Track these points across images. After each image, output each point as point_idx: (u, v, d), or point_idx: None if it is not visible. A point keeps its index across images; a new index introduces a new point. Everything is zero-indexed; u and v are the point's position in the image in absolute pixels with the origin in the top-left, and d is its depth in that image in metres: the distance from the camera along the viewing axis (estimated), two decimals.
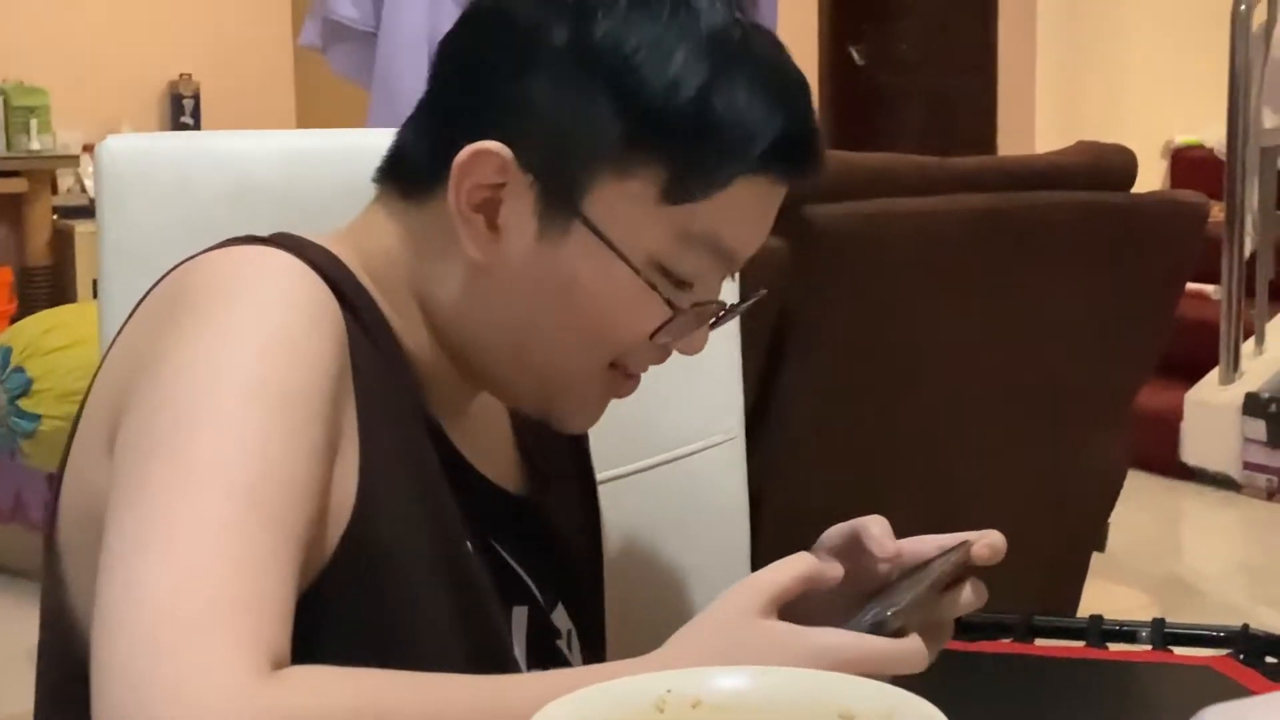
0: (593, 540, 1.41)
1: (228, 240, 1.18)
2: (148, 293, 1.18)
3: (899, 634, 1.06)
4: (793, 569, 1.09)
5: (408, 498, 1.14)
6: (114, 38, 7.50)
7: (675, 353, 1.24)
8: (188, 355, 1.05)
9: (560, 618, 1.32)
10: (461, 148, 1.16)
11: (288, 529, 1.00)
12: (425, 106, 1.24)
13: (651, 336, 1.19)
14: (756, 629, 1.05)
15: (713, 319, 1.23)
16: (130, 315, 1.18)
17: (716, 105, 1.14)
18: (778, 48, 1.21)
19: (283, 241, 1.17)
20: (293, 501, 1.02)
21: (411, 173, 1.22)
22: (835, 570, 1.13)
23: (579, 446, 1.42)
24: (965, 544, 1.19)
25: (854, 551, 1.23)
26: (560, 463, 1.38)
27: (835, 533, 1.24)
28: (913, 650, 1.05)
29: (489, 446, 1.30)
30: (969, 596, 1.19)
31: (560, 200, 1.16)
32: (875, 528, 1.21)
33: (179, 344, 1.06)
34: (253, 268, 1.12)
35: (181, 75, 7.68)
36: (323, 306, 1.11)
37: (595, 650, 1.36)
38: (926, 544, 1.22)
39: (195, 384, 1.04)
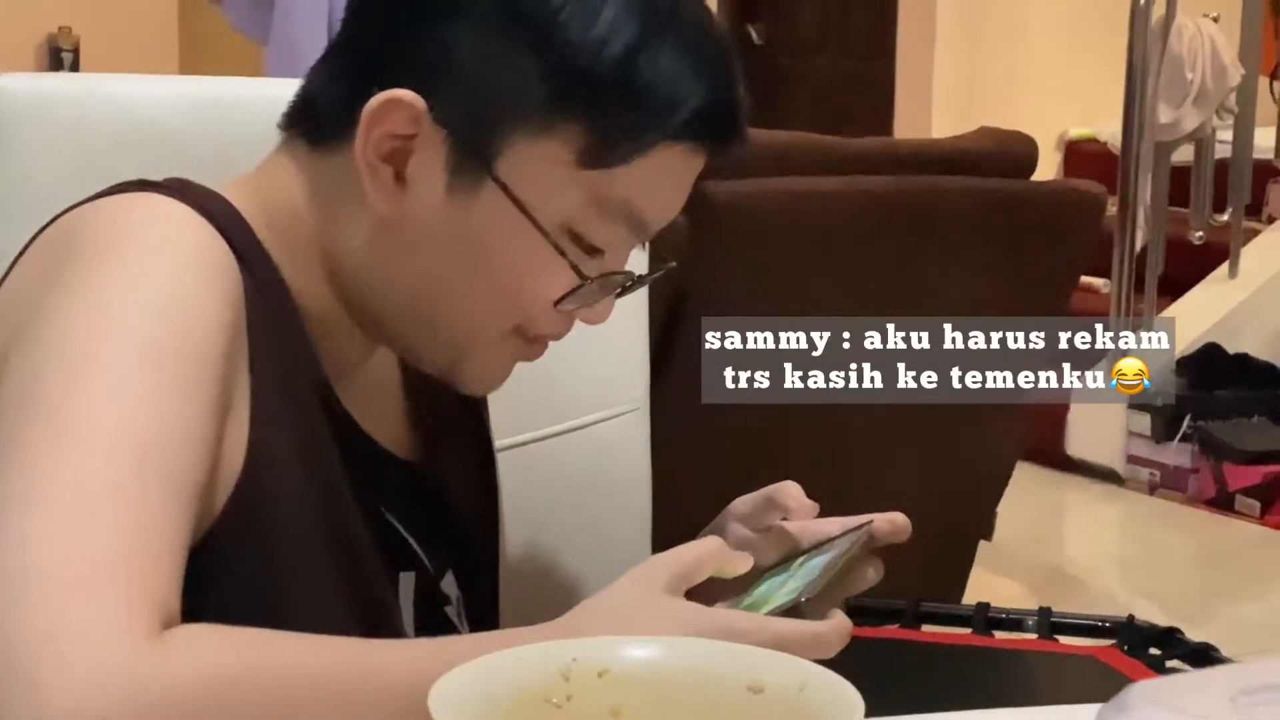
0: (488, 507, 1.38)
1: (119, 185, 1.15)
2: (32, 239, 1.14)
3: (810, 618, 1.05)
4: (701, 549, 1.09)
5: (294, 459, 1.12)
6: None
7: (580, 321, 1.21)
8: (78, 309, 1.03)
9: (449, 585, 1.30)
10: (365, 94, 1.13)
11: (177, 486, 0.98)
12: (337, 50, 1.21)
13: (557, 303, 1.17)
14: (663, 605, 1.04)
15: (619, 289, 1.20)
16: (13, 263, 1.14)
17: (642, 68, 1.11)
18: (708, 15, 1.19)
19: (177, 189, 1.13)
20: (182, 458, 1.00)
21: (320, 119, 1.19)
22: (744, 562, 1.12)
23: (476, 412, 1.39)
24: (868, 523, 1.18)
25: (764, 520, 1.23)
26: (456, 427, 1.35)
27: (746, 501, 1.24)
28: (833, 629, 1.04)
29: (381, 410, 1.27)
30: (870, 573, 1.19)
31: (472, 157, 1.13)
32: (791, 489, 1.23)
33: (66, 296, 1.04)
34: (144, 218, 1.09)
35: (60, 28, 7.55)
36: (216, 260, 1.09)
37: (486, 619, 1.33)
38: (830, 524, 1.21)
39: (83, 338, 1.01)
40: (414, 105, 1.12)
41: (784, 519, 1.24)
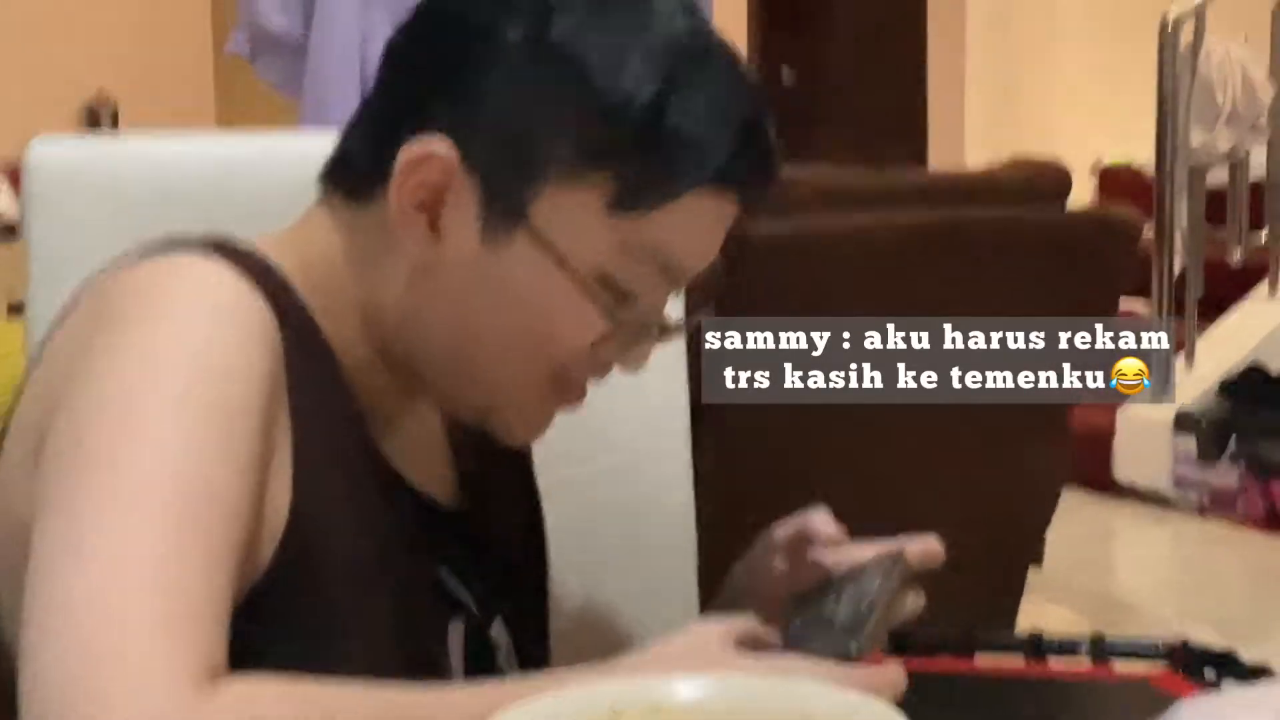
0: (535, 553, 1.38)
1: (159, 242, 1.15)
2: (74, 298, 1.15)
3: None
4: (741, 622, 1.08)
5: (341, 511, 1.12)
6: (29, 55, 7.41)
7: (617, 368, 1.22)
8: (119, 367, 1.03)
9: (499, 631, 1.29)
10: (400, 144, 1.14)
11: (220, 541, 0.99)
12: (371, 104, 1.22)
13: (591, 350, 1.17)
14: (729, 655, 1.04)
15: (655, 336, 1.20)
16: (57, 321, 1.15)
17: (671, 116, 1.11)
18: (737, 60, 1.18)
19: (215, 247, 1.14)
20: (226, 512, 1.00)
21: (355, 173, 1.19)
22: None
23: (521, 457, 1.39)
24: (903, 555, 1.18)
25: (799, 548, 1.24)
26: (500, 472, 1.35)
27: (782, 529, 1.26)
28: (886, 682, 1.03)
29: (425, 459, 1.27)
30: (910, 602, 1.19)
31: (505, 204, 1.13)
32: (818, 517, 1.24)
33: (108, 357, 1.04)
34: (182, 279, 1.10)
35: (99, 91, 7.60)
36: (255, 317, 1.09)
37: (535, 665, 1.33)
38: (864, 549, 1.21)
39: (126, 397, 1.02)
40: (447, 155, 1.12)
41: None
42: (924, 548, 1.19)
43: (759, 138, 1.16)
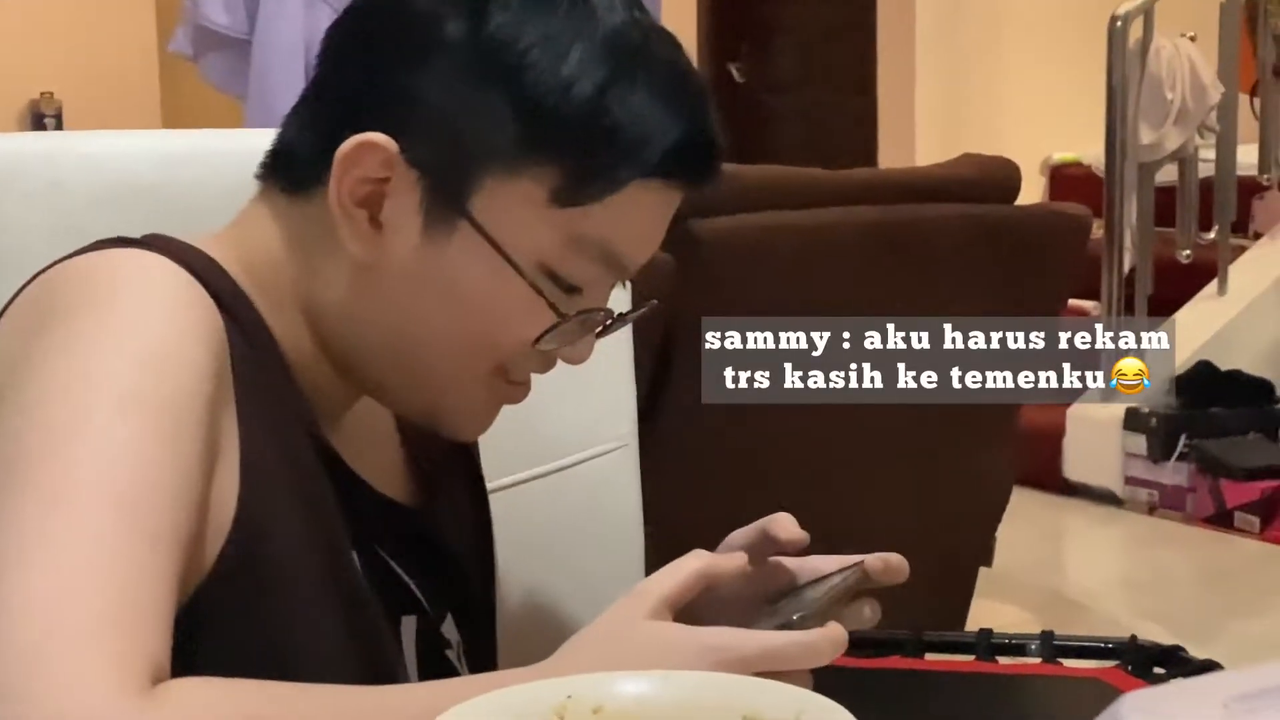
0: (483, 551, 1.38)
1: (99, 242, 1.14)
2: (13, 298, 1.13)
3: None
4: (683, 569, 1.07)
5: (290, 508, 1.11)
6: None
7: (561, 361, 1.20)
8: (61, 365, 1.02)
9: (449, 629, 1.29)
10: (338, 139, 1.12)
11: (165, 541, 0.98)
12: (309, 97, 1.20)
13: (535, 343, 1.16)
14: (646, 631, 1.03)
15: (600, 328, 1.19)
16: None
17: (612, 107, 1.11)
18: (680, 52, 1.18)
19: (157, 244, 1.13)
20: (169, 513, 0.99)
21: (294, 167, 1.18)
22: (735, 560, 1.11)
23: (469, 455, 1.38)
24: (862, 563, 1.17)
25: (759, 554, 1.21)
26: (449, 471, 1.34)
27: (740, 535, 1.23)
28: (824, 638, 1.02)
29: (375, 455, 1.26)
30: (866, 612, 1.17)
31: (447, 198, 1.12)
32: (784, 520, 1.20)
33: (50, 354, 1.03)
34: (126, 272, 1.08)
35: (43, 94, 7.55)
36: (200, 312, 1.08)
37: (485, 663, 1.32)
38: (827, 562, 1.20)
39: (67, 395, 1.01)
40: (386, 148, 1.11)
41: (778, 552, 1.23)
42: (886, 561, 1.17)
43: (702, 127, 1.15)
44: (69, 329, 1.04)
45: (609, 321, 1.19)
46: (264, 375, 1.12)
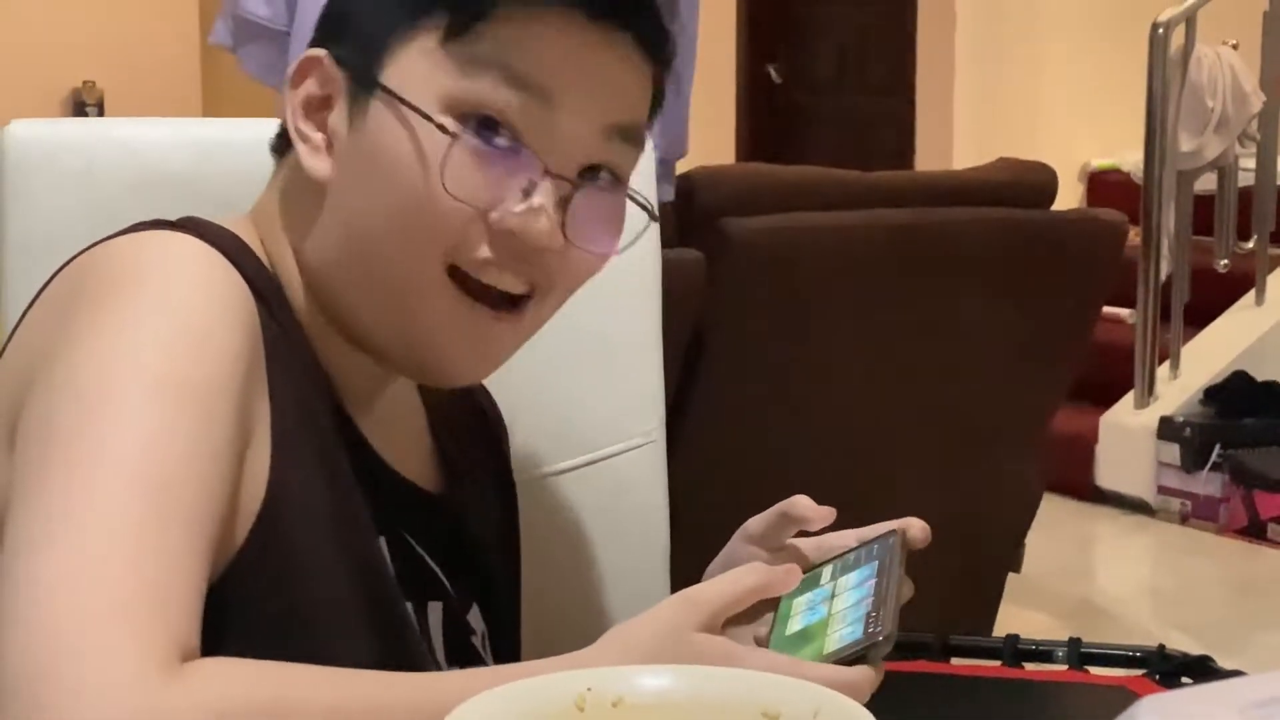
0: (509, 542, 1.37)
1: (135, 225, 1.15)
2: (50, 280, 1.14)
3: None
4: (741, 584, 1.06)
5: (318, 490, 1.11)
6: (14, 46, 7.37)
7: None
8: (93, 345, 1.02)
9: (475, 618, 1.28)
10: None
11: (195, 521, 0.98)
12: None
13: (481, 221, 1.11)
14: (697, 644, 1.02)
15: (545, 191, 1.12)
16: (31, 303, 1.14)
17: None
18: None
19: (191, 227, 1.13)
20: (200, 494, 0.99)
21: (281, 131, 1.22)
22: (792, 579, 1.10)
23: (498, 447, 1.38)
24: (893, 533, 1.16)
25: (778, 538, 1.21)
26: (478, 463, 1.34)
27: (758, 521, 1.22)
28: (866, 678, 1.02)
29: (404, 443, 1.26)
30: (906, 590, 1.15)
31: (362, 80, 1.14)
32: (803, 501, 1.19)
33: (84, 334, 1.03)
34: (159, 254, 1.09)
35: (85, 83, 7.58)
36: (233, 294, 1.08)
37: (509, 653, 1.33)
38: (844, 537, 1.20)
39: (101, 375, 1.01)
40: (319, 56, 1.15)
41: (800, 534, 1.22)
42: (923, 529, 1.17)
43: None
44: (102, 310, 1.04)
45: (548, 178, 1.11)
46: (294, 357, 1.13)
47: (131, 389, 1.00)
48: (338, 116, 1.15)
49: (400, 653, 1.16)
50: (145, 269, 1.07)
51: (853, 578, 1.14)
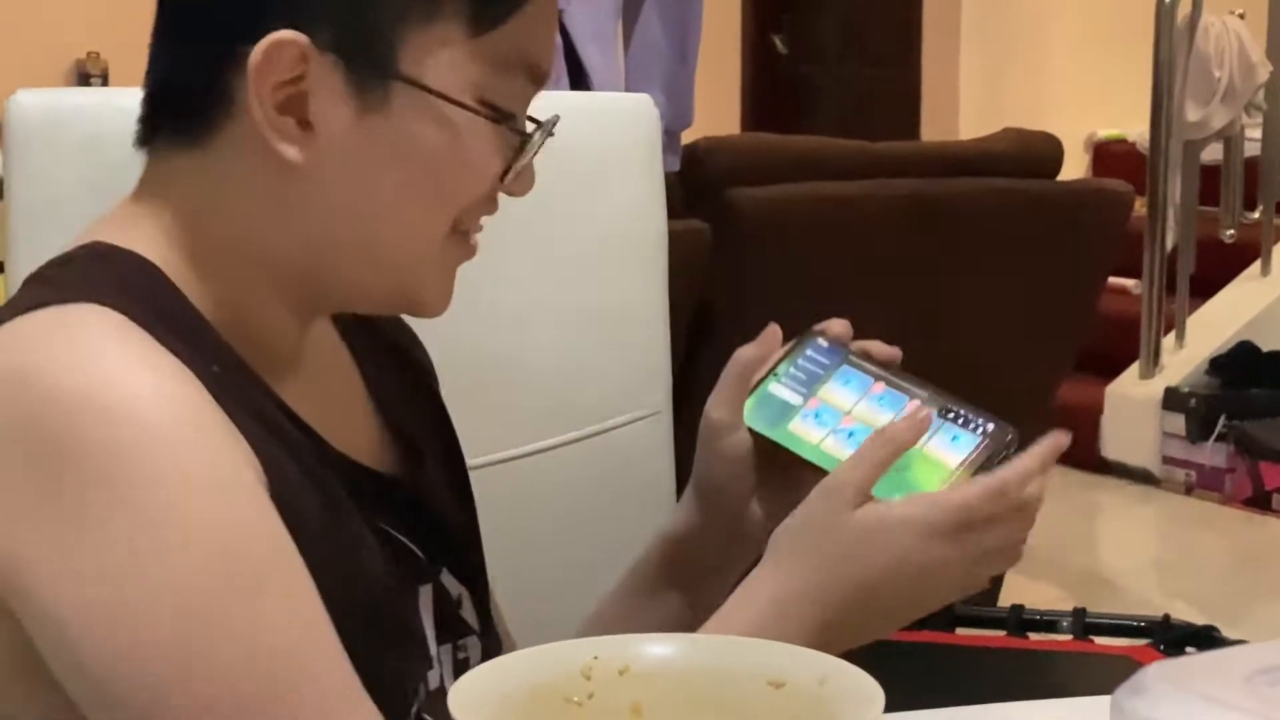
0: (465, 504, 1.35)
1: (16, 301, 1.07)
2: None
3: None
4: (869, 459, 1.16)
5: (302, 495, 1.08)
6: (18, 16, 7.36)
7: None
8: (107, 563, 0.97)
9: (449, 582, 1.27)
10: (231, 58, 1.07)
11: (313, 598, 1.01)
12: (168, 34, 1.15)
13: (502, 178, 1.13)
14: (858, 521, 1.14)
15: (535, 150, 1.15)
16: None
17: None
18: None
19: (85, 287, 1.05)
20: (297, 570, 1.01)
21: (186, 110, 1.12)
22: (920, 423, 1.20)
23: (444, 416, 1.36)
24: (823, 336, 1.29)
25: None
26: (425, 436, 1.32)
27: (749, 347, 1.29)
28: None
29: (350, 424, 1.23)
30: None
31: (372, 68, 1.08)
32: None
33: (80, 547, 0.97)
34: (101, 414, 0.99)
35: (89, 54, 7.57)
36: (176, 373, 1.02)
37: (485, 606, 1.31)
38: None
39: (159, 565, 0.97)
40: (297, 41, 1.06)
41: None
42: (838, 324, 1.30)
43: None
44: (91, 534, 0.97)
45: (539, 136, 1.15)
46: (230, 382, 1.08)
47: (195, 590, 0.97)
48: (328, 103, 1.08)
49: (399, 640, 1.17)
50: (98, 453, 0.98)
51: (834, 388, 1.24)
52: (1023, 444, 1.18)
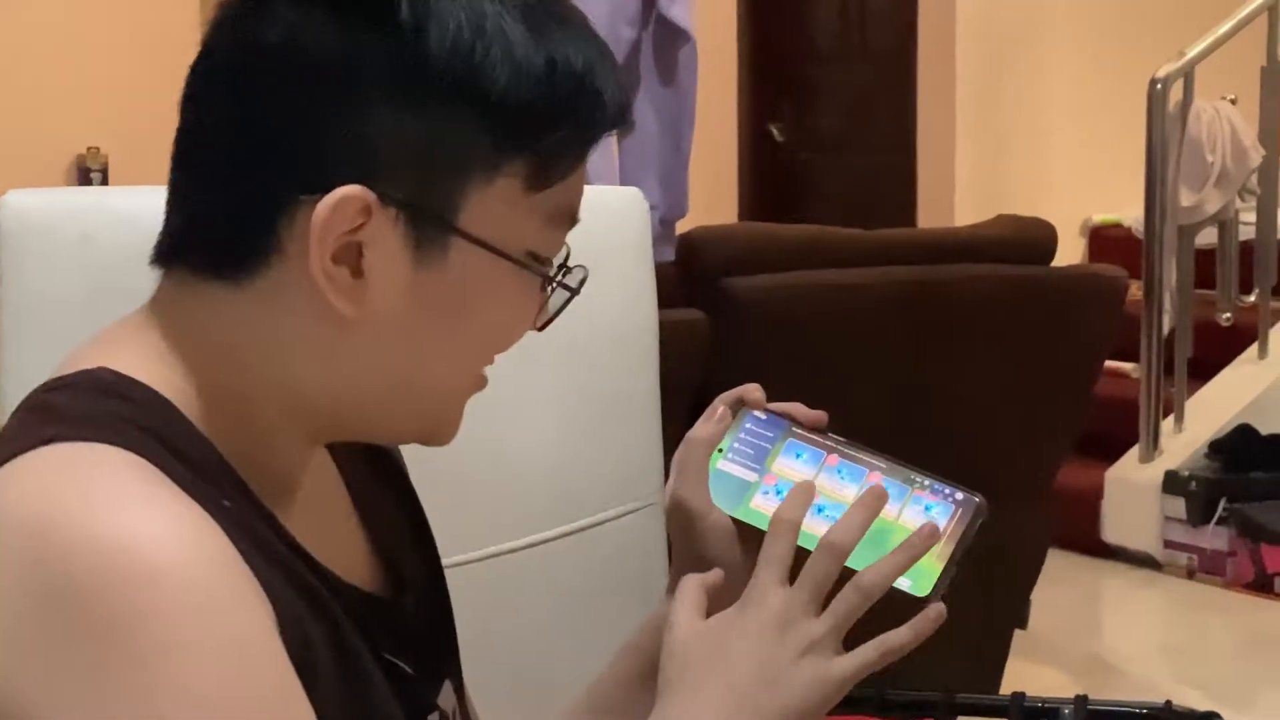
0: (444, 604, 1.33)
1: (19, 438, 1.03)
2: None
3: None
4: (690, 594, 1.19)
5: (326, 663, 1.07)
6: (19, 112, 7.38)
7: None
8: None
9: (445, 698, 1.26)
10: (287, 205, 1.06)
11: None
12: (215, 168, 1.11)
13: (541, 327, 1.16)
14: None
15: (569, 300, 1.17)
16: None
17: (560, 76, 1.08)
18: (571, 8, 1.14)
19: (103, 426, 1.03)
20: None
21: (226, 247, 1.09)
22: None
23: (414, 507, 1.34)
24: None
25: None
26: (402, 536, 1.30)
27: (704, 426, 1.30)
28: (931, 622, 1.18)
29: (339, 544, 1.21)
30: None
31: (434, 223, 1.08)
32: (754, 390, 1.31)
33: (89, 704, 0.94)
34: (122, 564, 0.96)
35: (89, 149, 7.59)
36: (215, 558, 0.99)
37: (466, 714, 1.31)
38: None
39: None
40: (363, 197, 1.05)
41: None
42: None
43: (617, 75, 1.13)
44: (113, 683, 0.95)
45: (583, 277, 1.17)
46: (247, 525, 1.05)
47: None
48: (384, 257, 1.07)
49: None
50: (119, 614, 0.95)
51: (788, 462, 1.25)
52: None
